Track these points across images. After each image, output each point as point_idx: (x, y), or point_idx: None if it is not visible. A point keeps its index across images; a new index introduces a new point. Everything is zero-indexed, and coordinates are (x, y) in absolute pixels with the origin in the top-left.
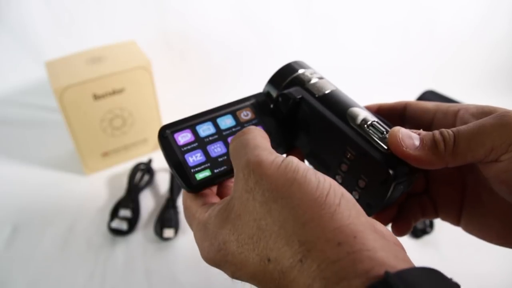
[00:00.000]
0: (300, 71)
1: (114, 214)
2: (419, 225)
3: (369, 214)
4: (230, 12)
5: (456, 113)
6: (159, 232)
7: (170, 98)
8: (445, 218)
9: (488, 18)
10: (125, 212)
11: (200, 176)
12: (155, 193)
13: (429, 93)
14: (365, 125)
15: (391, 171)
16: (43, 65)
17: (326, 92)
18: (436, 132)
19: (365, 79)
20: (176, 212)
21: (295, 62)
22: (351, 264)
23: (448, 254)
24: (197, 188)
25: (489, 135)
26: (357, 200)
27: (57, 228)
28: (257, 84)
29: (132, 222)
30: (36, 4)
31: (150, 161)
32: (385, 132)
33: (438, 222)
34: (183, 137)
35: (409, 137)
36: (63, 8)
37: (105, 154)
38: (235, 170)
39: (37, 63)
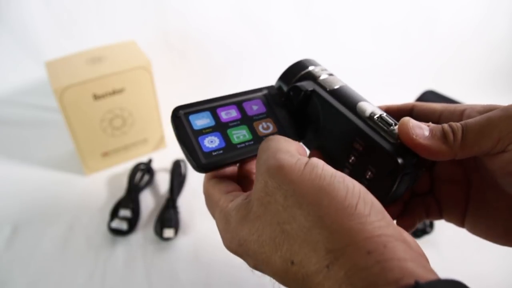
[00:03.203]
0: (311, 67)
1: (114, 214)
2: (419, 225)
3: None
4: (230, 12)
5: (462, 112)
6: (159, 232)
7: (170, 98)
8: (449, 219)
9: (488, 18)
10: (125, 212)
11: (213, 156)
12: (155, 193)
13: (429, 93)
14: (375, 117)
15: (399, 160)
16: (43, 65)
17: (336, 87)
18: (445, 124)
19: (365, 79)
20: (176, 212)
21: (306, 60)
22: (381, 272)
23: (448, 254)
24: (207, 167)
25: (496, 126)
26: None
27: (57, 228)
28: (257, 84)
29: (132, 222)
30: (36, 4)
31: (150, 161)
32: (393, 124)
33: (438, 222)
34: (200, 119)
35: (419, 127)
36: (63, 8)
37: (105, 154)
38: (256, 172)
39: (37, 63)
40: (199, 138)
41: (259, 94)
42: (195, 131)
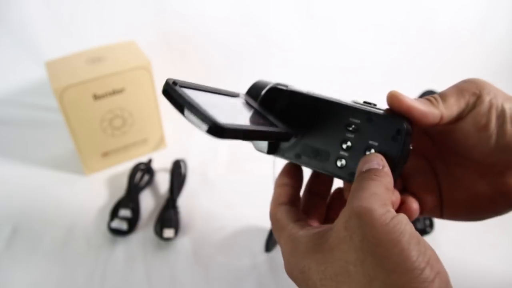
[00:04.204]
0: (274, 83)
1: (114, 214)
2: (419, 225)
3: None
4: (230, 12)
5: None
6: (159, 232)
7: None
8: (428, 212)
9: (487, 18)
10: (125, 212)
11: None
12: (155, 193)
13: (429, 93)
14: (359, 102)
15: (401, 120)
16: (43, 65)
17: (310, 91)
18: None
19: (365, 79)
20: (176, 212)
21: (263, 80)
22: None
23: (448, 254)
24: (226, 131)
25: (465, 88)
26: None
27: (57, 228)
28: None
29: (132, 222)
30: (36, 4)
31: (150, 161)
32: (377, 105)
33: (438, 222)
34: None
35: (406, 95)
36: (63, 8)
37: (105, 154)
38: (347, 204)
39: (37, 63)
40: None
41: (238, 98)
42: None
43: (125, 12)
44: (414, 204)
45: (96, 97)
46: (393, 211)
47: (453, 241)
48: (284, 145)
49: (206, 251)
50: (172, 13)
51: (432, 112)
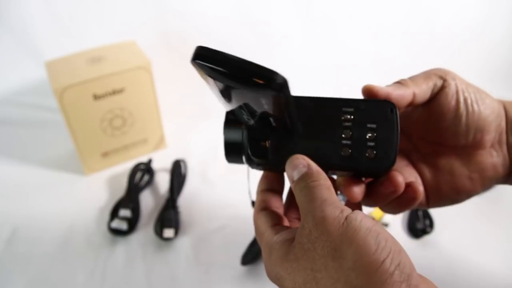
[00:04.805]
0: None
1: (114, 214)
2: (419, 225)
3: (392, 162)
4: (230, 12)
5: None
6: (159, 232)
7: (170, 98)
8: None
9: (488, 18)
10: (125, 212)
11: None
12: (155, 193)
13: None
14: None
15: (389, 102)
16: (43, 65)
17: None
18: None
19: (365, 79)
20: (176, 212)
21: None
22: None
23: (448, 254)
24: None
25: (432, 72)
26: (375, 155)
27: (57, 228)
28: None
29: (132, 222)
30: (36, 4)
31: (150, 161)
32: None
33: (438, 222)
34: None
35: (378, 85)
36: (63, 8)
37: (105, 154)
38: (301, 217)
39: (37, 63)
40: None
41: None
42: None
43: (125, 12)
44: (420, 187)
45: (96, 97)
46: (346, 210)
47: (453, 241)
48: (280, 148)
49: (206, 251)
50: (172, 13)
51: (405, 92)
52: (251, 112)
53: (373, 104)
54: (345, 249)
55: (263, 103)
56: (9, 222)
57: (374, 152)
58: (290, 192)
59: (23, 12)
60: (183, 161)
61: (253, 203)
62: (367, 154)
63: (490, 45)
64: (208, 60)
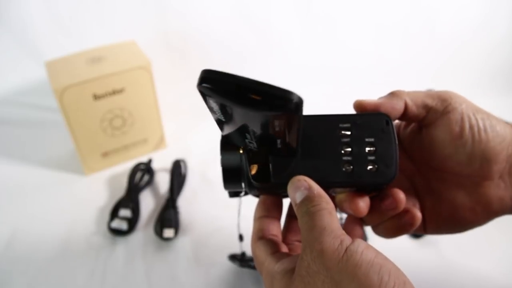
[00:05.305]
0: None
1: (114, 214)
2: None
3: (395, 174)
4: (230, 12)
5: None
6: (159, 232)
7: (170, 98)
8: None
9: (488, 18)
10: (125, 212)
11: None
12: (155, 193)
13: None
14: None
15: (383, 114)
16: (43, 65)
17: None
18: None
19: (365, 79)
20: (176, 212)
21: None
22: None
23: (448, 254)
24: (302, 103)
25: (434, 92)
26: (377, 169)
27: (57, 228)
28: None
29: (132, 222)
30: (36, 4)
31: (150, 161)
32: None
33: None
34: None
35: (368, 98)
36: (63, 8)
37: (105, 154)
38: (302, 247)
39: (37, 63)
40: None
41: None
42: None
43: (125, 12)
44: (418, 213)
45: (96, 97)
46: (346, 240)
47: (453, 241)
48: (282, 170)
49: (206, 251)
50: (172, 13)
51: (396, 103)
52: (255, 135)
53: (369, 117)
54: (346, 286)
55: (276, 125)
56: (9, 222)
57: (376, 165)
58: (289, 214)
59: (23, 12)
60: (183, 161)
61: (240, 236)
62: (368, 169)
63: (490, 45)
64: (218, 84)
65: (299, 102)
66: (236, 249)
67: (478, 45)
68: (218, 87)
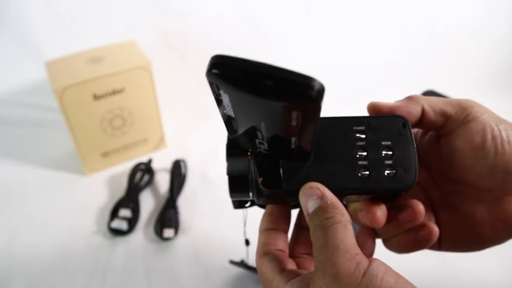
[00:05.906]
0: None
1: (114, 214)
2: None
3: (414, 179)
4: (230, 12)
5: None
6: (159, 232)
7: (170, 98)
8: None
9: (488, 18)
10: (125, 212)
11: None
12: (155, 193)
13: (429, 93)
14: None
15: (400, 116)
16: (43, 65)
17: None
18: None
19: (365, 79)
20: (176, 212)
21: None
22: None
23: (448, 254)
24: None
25: (454, 100)
26: (395, 174)
27: (57, 228)
28: None
29: (132, 222)
30: (36, 4)
31: (150, 161)
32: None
33: None
34: None
35: (383, 101)
36: (63, 8)
37: (105, 154)
38: (314, 267)
39: (37, 63)
40: None
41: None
42: None
43: (125, 12)
44: (435, 228)
45: (96, 97)
46: (363, 262)
47: None
48: (293, 176)
49: (206, 251)
50: (172, 13)
51: (413, 107)
52: (267, 134)
53: (384, 120)
54: None
55: (292, 118)
56: (9, 222)
57: (394, 170)
58: (297, 224)
59: (23, 12)
60: (183, 161)
61: (247, 241)
62: (386, 174)
63: (490, 45)
64: (228, 70)
65: (321, 89)
66: (236, 249)
67: (478, 45)
68: (228, 72)
